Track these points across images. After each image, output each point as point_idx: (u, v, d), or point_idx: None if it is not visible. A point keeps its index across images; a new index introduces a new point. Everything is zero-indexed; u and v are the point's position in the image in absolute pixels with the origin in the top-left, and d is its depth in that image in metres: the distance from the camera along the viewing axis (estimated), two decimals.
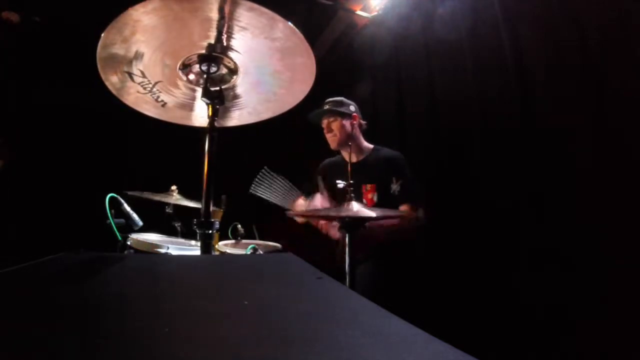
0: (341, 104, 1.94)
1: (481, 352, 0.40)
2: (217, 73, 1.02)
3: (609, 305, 1.25)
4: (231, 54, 1.00)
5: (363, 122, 1.97)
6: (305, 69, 1.01)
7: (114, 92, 1.04)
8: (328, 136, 1.94)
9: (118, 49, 0.93)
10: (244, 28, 0.92)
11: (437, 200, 1.83)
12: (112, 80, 1.01)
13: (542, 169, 1.51)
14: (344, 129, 1.90)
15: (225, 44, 0.97)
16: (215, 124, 1.00)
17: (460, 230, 1.80)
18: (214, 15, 0.89)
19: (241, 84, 1.08)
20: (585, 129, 1.37)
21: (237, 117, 1.18)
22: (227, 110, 1.14)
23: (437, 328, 0.46)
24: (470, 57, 1.88)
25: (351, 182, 1.43)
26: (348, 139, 1.85)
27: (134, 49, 0.94)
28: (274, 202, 1.80)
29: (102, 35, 0.88)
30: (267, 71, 1.05)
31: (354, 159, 1.92)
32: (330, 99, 1.96)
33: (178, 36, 0.95)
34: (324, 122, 1.94)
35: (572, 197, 1.40)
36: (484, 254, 1.68)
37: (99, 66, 0.97)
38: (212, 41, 0.96)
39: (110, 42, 0.91)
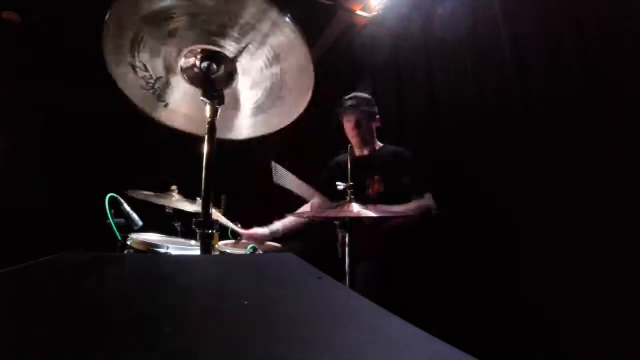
0: (371, 103, 1.98)
1: (481, 352, 0.40)
2: (218, 73, 1.02)
3: (609, 306, 1.25)
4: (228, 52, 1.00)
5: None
6: (303, 81, 1.00)
7: (120, 83, 1.03)
8: (354, 133, 1.95)
9: (124, 36, 0.92)
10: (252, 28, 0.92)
11: (436, 201, 1.83)
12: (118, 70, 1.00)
13: (542, 168, 1.51)
14: (370, 129, 1.96)
15: (229, 40, 0.97)
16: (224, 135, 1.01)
17: (459, 230, 1.80)
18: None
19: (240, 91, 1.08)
20: (585, 129, 1.37)
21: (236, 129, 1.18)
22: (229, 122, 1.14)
23: (437, 328, 0.46)
24: (470, 57, 1.88)
25: (351, 184, 1.44)
26: (372, 139, 1.96)
27: (138, 37, 0.93)
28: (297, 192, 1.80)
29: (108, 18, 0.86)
30: (265, 80, 1.05)
31: (364, 153, 1.99)
32: (361, 96, 1.99)
33: (182, 26, 0.94)
34: (352, 119, 1.95)
35: (572, 196, 1.40)
36: (484, 254, 1.68)
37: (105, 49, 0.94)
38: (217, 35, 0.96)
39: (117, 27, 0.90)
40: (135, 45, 0.95)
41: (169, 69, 1.04)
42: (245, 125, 1.17)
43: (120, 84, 1.02)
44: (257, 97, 1.09)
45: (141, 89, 1.04)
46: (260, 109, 1.11)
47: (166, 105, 1.11)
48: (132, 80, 1.02)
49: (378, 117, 2.00)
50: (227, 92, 1.04)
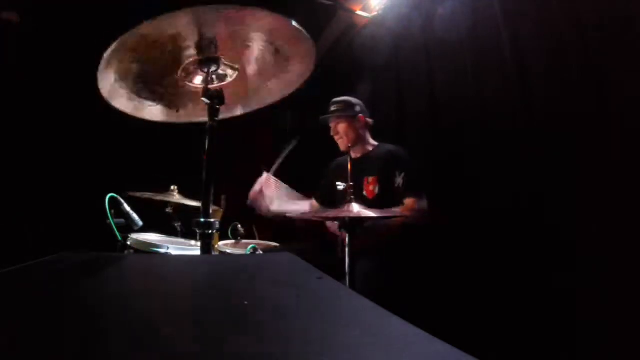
0: (347, 105, 1.96)
1: (481, 352, 0.40)
2: (219, 71, 1.02)
3: (609, 306, 1.25)
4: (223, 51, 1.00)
5: (370, 121, 2.00)
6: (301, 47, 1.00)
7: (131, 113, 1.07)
8: (336, 138, 1.96)
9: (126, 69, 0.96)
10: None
11: (436, 200, 1.83)
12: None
13: (543, 168, 1.51)
14: (350, 130, 1.93)
15: (213, 46, 0.97)
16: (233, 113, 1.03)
17: (459, 230, 1.80)
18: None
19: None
20: (585, 129, 1.37)
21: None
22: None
23: (437, 328, 0.46)
24: (470, 57, 1.88)
25: (351, 184, 1.44)
26: (356, 140, 1.91)
27: (138, 67, 0.97)
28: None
29: (105, 58, 0.90)
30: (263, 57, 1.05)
31: (358, 154, 1.97)
32: (337, 100, 1.98)
33: (171, 50, 0.96)
34: (332, 125, 1.96)
35: (572, 196, 1.40)
36: (483, 254, 1.68)
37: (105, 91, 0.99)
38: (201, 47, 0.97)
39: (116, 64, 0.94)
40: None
41: (170, 83, 1.05)
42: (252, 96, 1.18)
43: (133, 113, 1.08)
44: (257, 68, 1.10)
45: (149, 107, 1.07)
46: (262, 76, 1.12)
47: (177, 111, 1.12)
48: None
49: (361, 115, 1.95)
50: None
